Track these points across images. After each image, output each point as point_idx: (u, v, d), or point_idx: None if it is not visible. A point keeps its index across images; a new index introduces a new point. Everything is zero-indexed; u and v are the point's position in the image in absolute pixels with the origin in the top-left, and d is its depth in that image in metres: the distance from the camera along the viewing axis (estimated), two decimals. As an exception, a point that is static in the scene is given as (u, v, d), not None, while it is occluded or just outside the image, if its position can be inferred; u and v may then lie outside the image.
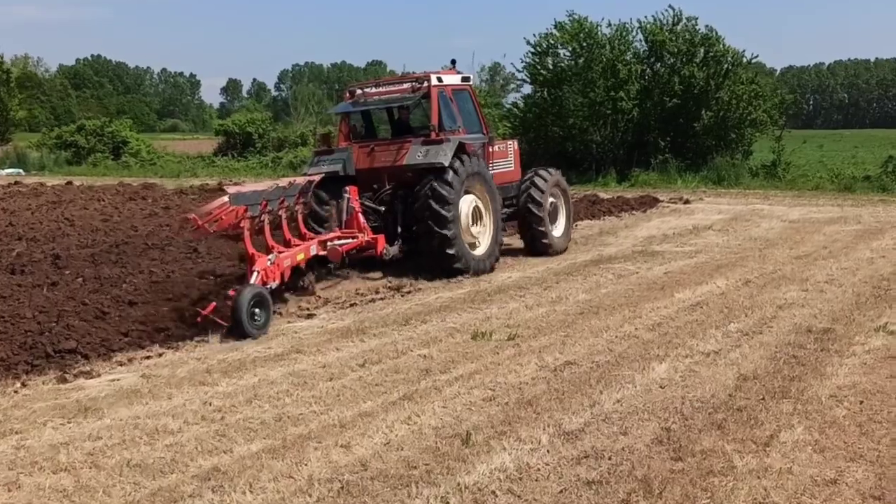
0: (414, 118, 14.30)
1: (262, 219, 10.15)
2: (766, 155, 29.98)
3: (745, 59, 28.77)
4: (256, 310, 9.46)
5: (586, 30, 27.96)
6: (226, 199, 9.61)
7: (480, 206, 13.16)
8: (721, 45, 28.18)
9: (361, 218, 12.47)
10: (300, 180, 11.65)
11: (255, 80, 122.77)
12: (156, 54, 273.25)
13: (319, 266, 12.11)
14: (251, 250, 9.95)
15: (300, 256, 10.99)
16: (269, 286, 9.94)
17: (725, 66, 28.26)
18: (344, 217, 12.50)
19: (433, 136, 12.81)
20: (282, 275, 10.43)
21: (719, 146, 28.60)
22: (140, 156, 36.43)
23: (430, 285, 12.29)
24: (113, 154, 36.83)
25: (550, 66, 28.79)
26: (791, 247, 14.99)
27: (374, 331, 9.66)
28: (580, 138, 28.46)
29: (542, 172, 14.86)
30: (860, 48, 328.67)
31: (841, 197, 23.83)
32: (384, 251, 12.49)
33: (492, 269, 13.21)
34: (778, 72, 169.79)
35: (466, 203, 12.79)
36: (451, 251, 12.41)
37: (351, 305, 11.21)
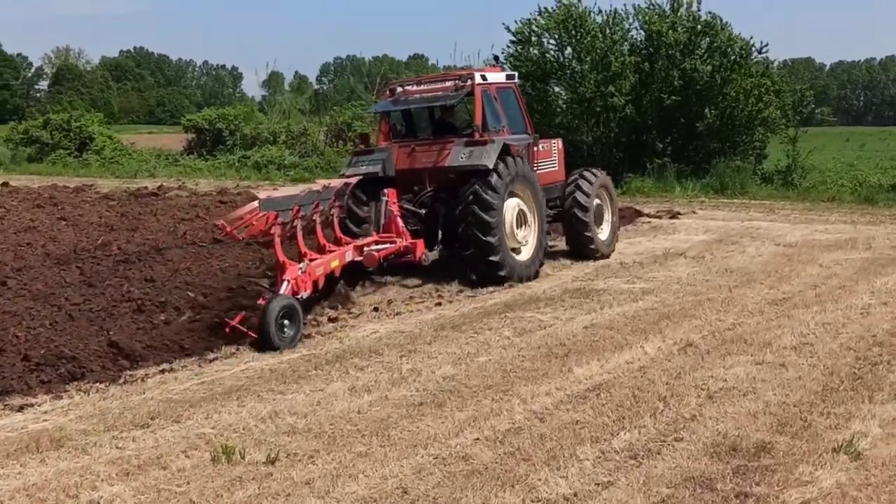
0: (456, 117, 13.95)
1: (294, 224, 9.86)
2: (785, 159, 26.56)
3: (755, 50, 25.23)
4: (286, 321, 8.98)
5: (574, 16, 24.64)
6: (255, 204, 9.41)
7: (525, 209, 12.66)
8: (726, 34, 24.69)
9: (400, 222, 12.01)
10: (336, 183, 11.42)
11: (297, 72, 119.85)
12: (198, 47, 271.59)
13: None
14: (282, 258, 9.51)
15: (335, 263, 10.50)
16: (300, 296, 9.51)
17: (733, 57, 24.77)
18: (382, 221, 12.10)
19: (477, 136, 12.28)
20: (315, 283, 9.93)
21: (726, 149, 25.17)
22: (103, 153, 33.74)
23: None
24: (78, 151, 34.24)
25: (535, 57, 25.50)
26: (772, 285, 11.85)
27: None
28: (569, 138, 25.16)
29: (587, 174, 14.28)
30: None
31: (860, 210, 20.47)
32: (423, 257, 12.01)
33: (536, 275, 12.72)
34: (828, 67, 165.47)
35: (511, 207, 12.28)
36: (494, 258, 11.87)
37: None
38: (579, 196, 13.89)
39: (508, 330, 9.62)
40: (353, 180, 11.90)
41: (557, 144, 14.81)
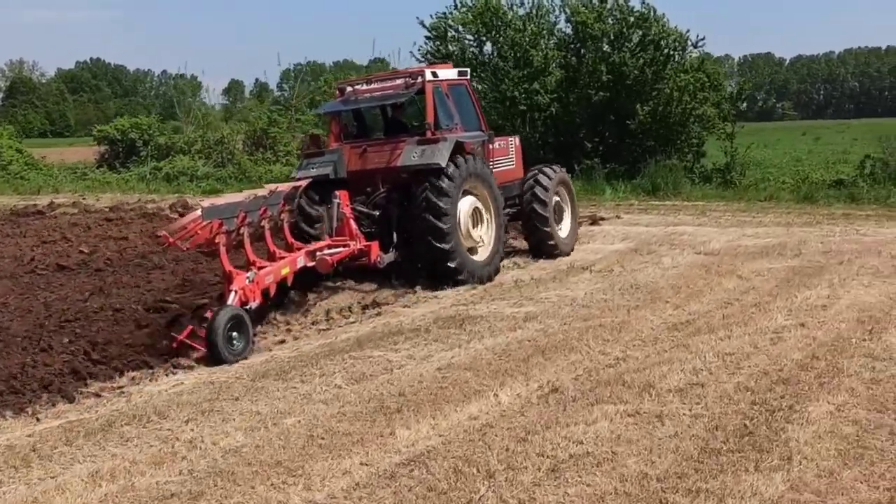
0: (408, 116, 13.78)
1: (240, 232, 9.45)
2: (724, 156, 25.10)
3: (690, 43, 23.70)
4: (234, 333, 8.70)
5: (492, 8, 22.96)
6: (198, 213, 8.89)
7: (481, 207, 12.41)
8: (660, 27, 23.11)
9: (353, 224, 11.61)
10: (284, 187, 10.86)
11: (257, 80, 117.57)
12: (157, 57, 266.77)
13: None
14: (228, 268, 9.19)
15: (285, 270, 10.06)
16: (248, 306, 9.18)
17: (666, 51, 23.22)
18: (335, 224, 11.66)
19: (429, 134, 12.02)
20: (265, 292, 9.57)
21: (661, 148, 23.58)
22: (10, 168, 31.58)
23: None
24: (-14, 166, 32.11)
25: (453, 54, 23.80)
26: (678, 304, 10.30)
27: None
28: (493, 140, 23.63)
29: (546, 170, 14.05)
30: (871, 36, 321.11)
31: (797, 210, 19.00)
32: (378, 259, 11.64)
33: (496, 273, 12.46)
34: (787, 61, 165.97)
35: (466, 205, 12.06)
36: (451, 265, 11.62)
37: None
38: (538, 191, 13.61)
39: (342, 376, 7.92)
40: (303, 184, 11.40)
41: (515, 142, 14.51)
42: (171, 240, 8.86)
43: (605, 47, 23.23)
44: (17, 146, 34.09)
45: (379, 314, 10.50)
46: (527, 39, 22.86)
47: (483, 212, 12.44)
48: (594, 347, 8.53)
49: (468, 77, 13.70)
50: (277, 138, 29.29)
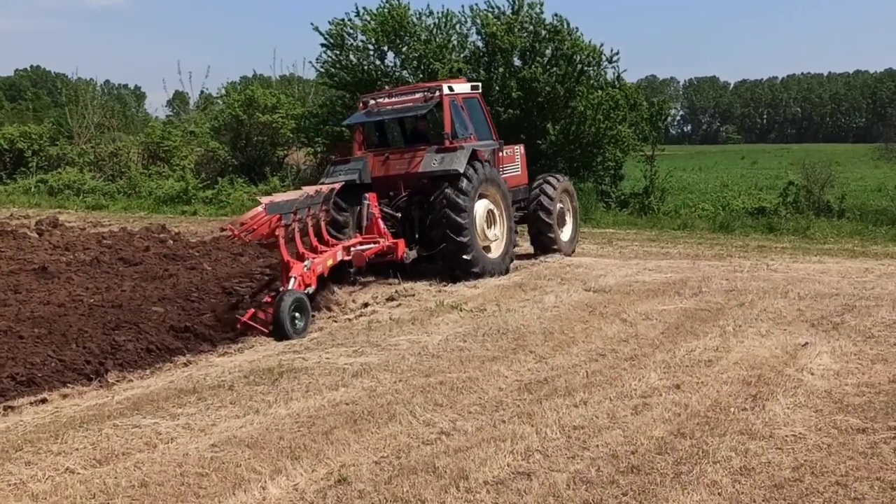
0: (425, 126, 14.49)
1: (293, 227, 10.54)
2: (643, 180, 23.79)
3: (605, 59, 22.33)
4: (297, 314, 9.82)
5: (396, 17, 21.34)
6: (260, 209, 9.91)
7: (494, 210, 13.63)
8: (573, 41, 21.70)
9: (381, 223, 12.76)
10: (324, 189, 11.98)
11: (202, 92, 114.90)
12: (100, 66, 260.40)
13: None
14: (286, 257, 10.36)
15: (329, 262, 11.21)
16: (307, 291, 10.36)
17: (579, 66, 21.82)
18: (364, 223, 12.71)
19: (447, 143, 13.17)
20: (318, 278, 10.77)
21: (574, 170, 22.13)
22: None
23: None
24: None
25: (353, 65, 22.14)
26: (544, 354, 8.81)
27: None
28: (397, 158, 22.03)
29: (550, 179, 15.41)
30: (813, 63, 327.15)
31: (710, 240, 17.73)
32: (404, 255, 12.85)
33: (507, 271, 13.61)
34: (732, 85, 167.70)
35: (481, 208, 13.23)
36: (467, 257, 12.83)
37: None
38: (544, 200, 14.92)
39: (82, 455, 6.18)
40: (338, 186, 12.48)
41: (520, 150, 15.70)
42: (236, 232, 9.85)
43: (517, 61, 21.74)
44: None
45: (187, 364, 8.78)
46: (431, 50, 21.27)
47: (496, 214, 13.69)
48: (419, 415, 6.94)
49: (480, 91, 14.87)
50: (172, 151, 27.31)
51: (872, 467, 5.67)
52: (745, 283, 12.44)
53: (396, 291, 12.31)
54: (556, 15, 22.13)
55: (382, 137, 14.72)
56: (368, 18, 21.86)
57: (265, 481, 5.67)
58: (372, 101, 14.15)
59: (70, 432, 6.64)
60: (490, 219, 13.47)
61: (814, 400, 7.07)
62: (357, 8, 22.14)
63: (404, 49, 21.79)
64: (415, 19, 22.09)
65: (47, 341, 8.65)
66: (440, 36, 22.06)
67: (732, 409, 6.90)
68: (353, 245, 12.01)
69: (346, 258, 11.74)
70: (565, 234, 15.53)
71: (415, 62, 21.78)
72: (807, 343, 8.89)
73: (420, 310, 11.21)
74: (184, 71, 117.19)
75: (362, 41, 22.09)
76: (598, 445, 6.21)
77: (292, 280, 10.16)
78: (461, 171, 12.72)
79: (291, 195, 11.02)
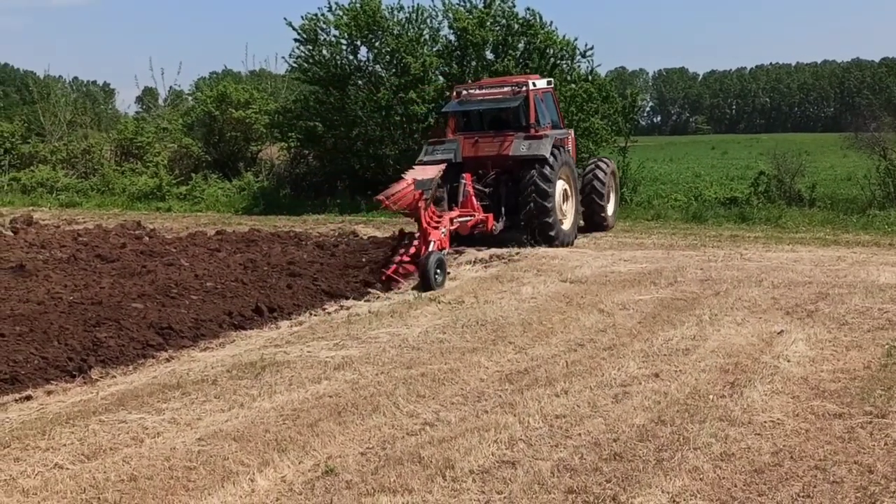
0: (508, 115, 16.23)
1: (429, 200, 12.82)
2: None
3: (578, 53, 22.43)
4: (437, 270, 11.94)
5: (368, 12, 21.34)
6: (408, 181, 12.33)
7: (568, 189, 15.96)
8: (546, 34, 21.79)
9: (475, 199, 14.79)
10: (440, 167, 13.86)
11: (171, 88, 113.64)
12: (69, 64, 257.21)
13: None
14: (425, 225, 12.65)
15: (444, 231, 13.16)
16: (444, 252, 12.74)
17: (552, 60, 21.92)
18: (460, 198, 14.60)
19: (532, 132, 15.47)
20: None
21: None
22: None
23: None
24: None
25: (326, 60, 22.10)
26: (523, 345, 8.90)
27: None
28: (371, 152, 22.02)
29: (601, 164, 17.65)
30: (781, 53, 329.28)
31: (683, 230, 17.88)
32: (494, 227, 15.10)
33: (573, 242, 15.93)
34: (701, 76, 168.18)
35: (559, 187, 15.44)
36: (551, 233, 15.23)
37: None
38: (596, 184, 17.26)
39: (71, 451, 6.22)
40: (444, 165, 14.24)
41: (571, 135, 17.52)
42: (386, 202, 11.93)
43: (489, 55, 21.79)
44: None
45: (169, 360, 8.79)
46: (402, 44, 21.29)
47: (569, 192, 15.99)
48: (403, 407, 7.02)
49: (553, 86, 17.42)
50: (145, 148, 27.12)
51: (850, 451, 5.81)
52: (720, 272, 12.61)
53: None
54: (528, 9, 22.26)
55: (468, 123, 16.59)
56: (341, 13, 21.76)
57: (253, 473, 5.73)
58: (465, 92, 16.40)
59: (57, 428, 6.66)
60: (564, 196, 15.74)
61: (791, 386, 7.22)
62: (330, 3, 22.02)
63: (377, 44, 21.69)
64: (387, 14, 22.03)
65: (29, 339, 8.62)
66: (412, 30, 22.00)
67: (711, 397, 7.04)
68: (455, 217, 13.91)
69: (452, 228, 13.56)
70: (610, 208, 17.82)
71: (387, 57, 21.72)
72: (782, 331, 9.05)
73: (399, 302, 11.28)
74: (156, 67, 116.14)
75: (335, 36, 21.98)
76: (580, 434, 6.31)
77: (432, 243, 12.40)
78: (547, 155, 14.98)
79: (430, 172, 13.07)
